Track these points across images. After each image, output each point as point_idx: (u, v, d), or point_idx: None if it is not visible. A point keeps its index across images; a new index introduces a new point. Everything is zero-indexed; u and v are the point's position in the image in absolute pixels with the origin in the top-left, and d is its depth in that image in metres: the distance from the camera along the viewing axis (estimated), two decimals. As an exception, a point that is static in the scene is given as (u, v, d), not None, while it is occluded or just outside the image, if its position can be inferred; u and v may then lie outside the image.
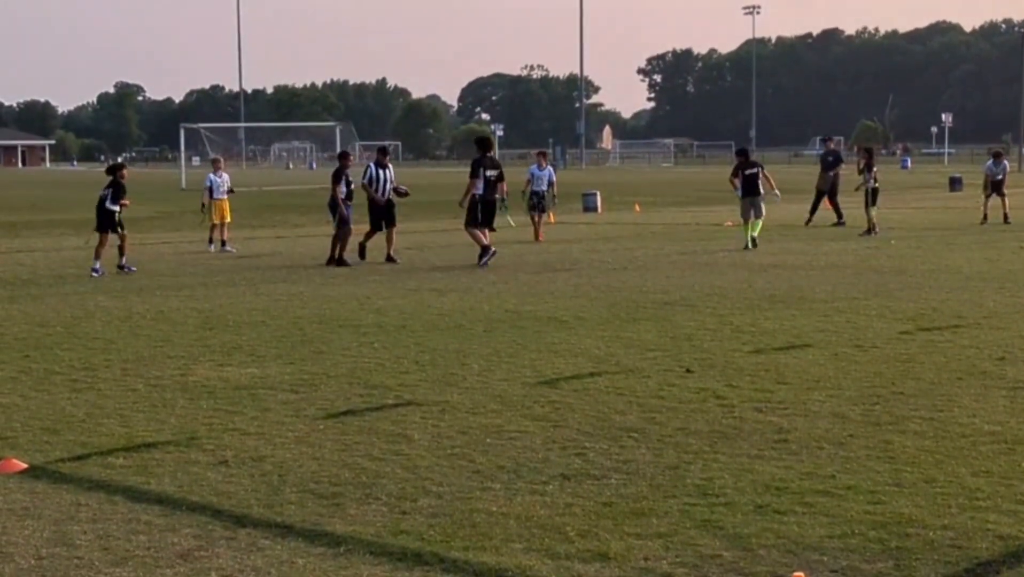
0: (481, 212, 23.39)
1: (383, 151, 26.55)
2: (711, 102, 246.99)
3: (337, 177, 24.31)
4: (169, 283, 20.63)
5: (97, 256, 22.06)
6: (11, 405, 10.72)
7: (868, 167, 30.17)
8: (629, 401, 10.54)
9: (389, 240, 24.72)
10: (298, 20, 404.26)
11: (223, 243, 27.35)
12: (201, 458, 8.80)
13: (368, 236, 24.91)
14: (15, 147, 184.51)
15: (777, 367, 12.07)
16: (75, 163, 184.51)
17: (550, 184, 31.15)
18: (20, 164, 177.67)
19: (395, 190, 24.91)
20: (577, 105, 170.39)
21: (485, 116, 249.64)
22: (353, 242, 24.10)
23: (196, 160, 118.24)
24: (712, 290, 18.58)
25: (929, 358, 12.54)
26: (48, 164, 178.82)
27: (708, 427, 9.56)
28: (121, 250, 22.60)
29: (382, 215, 24.89)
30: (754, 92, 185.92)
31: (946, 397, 10.59)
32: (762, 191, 27.20)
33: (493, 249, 23.27)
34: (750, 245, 26.17)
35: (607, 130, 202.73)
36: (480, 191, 23.32)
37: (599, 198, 44.63)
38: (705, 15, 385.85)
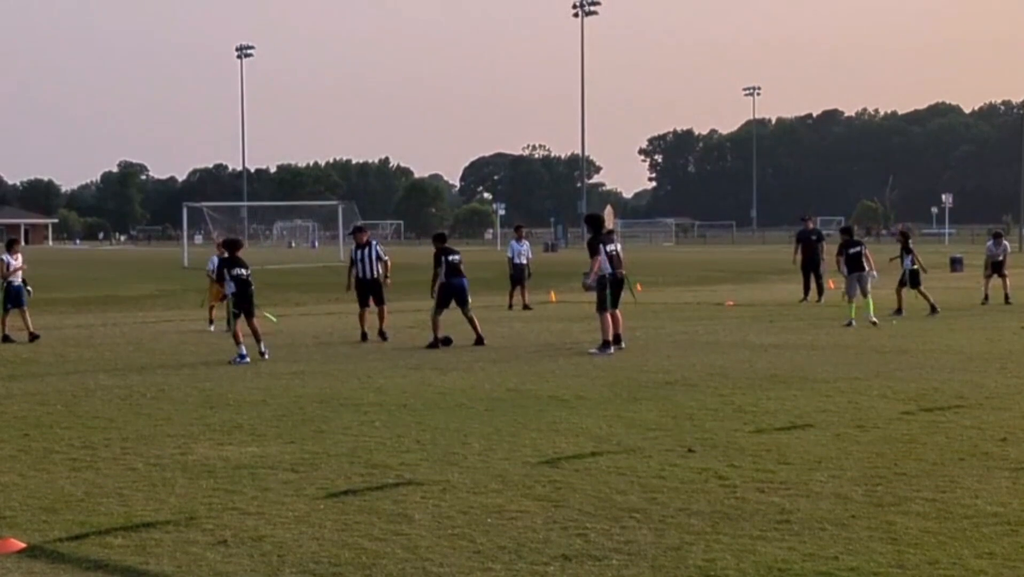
0: (610, 292, 21.91)
1: (359, 230, 26.43)
2: (712, 182, 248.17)
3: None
4: (170, 361, 20.62)
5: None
6: (10, 484, 10.69)
7: (906, 249, 30.38)
8: (631, 481, 10.50)
9: (380, 316, 24.89)
10: (301, 100, 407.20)
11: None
12: (200, 538, 8.76)
13: (360, 316, 24.98)
14: (18, 225, 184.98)
15: (779, 447, 12.03)
16: (78, 242, 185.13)
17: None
18: (23, 242, 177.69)
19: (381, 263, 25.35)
20: (579, 184, 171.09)
21: (487, 195, 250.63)
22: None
23: (199, 239, 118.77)
24: (713, 370, 18.57)
25: (931, 439, 12.50)
26: (51, 243, 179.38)
27: (710, 507, 9.51)
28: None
29: (368, 293, 25.07)
30: (755, 172, 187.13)
31: (949, 478, 10.55)
32: (867, 268, 27.54)
33: (620, 343, 21.64)
34: (853, 323, 26.34)
35: (608, 209, 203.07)
36: (608, 269, 22.06)
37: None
38: (706, 96, 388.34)
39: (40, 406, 15.50)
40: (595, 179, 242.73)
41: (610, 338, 21.44)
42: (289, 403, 15.52)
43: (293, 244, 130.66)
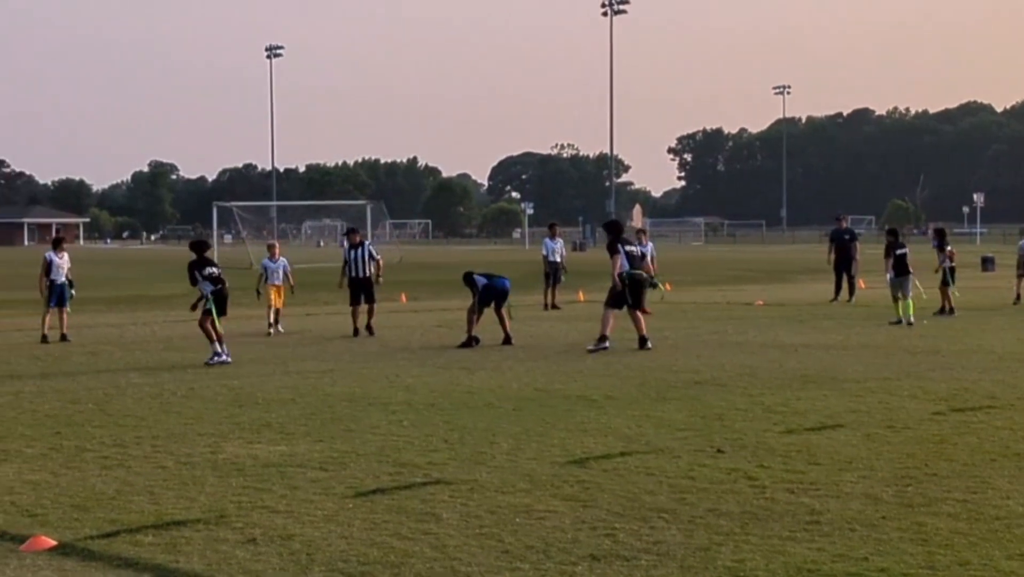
0: (629, 290, 21.96)
1: (352, 231, 27.95)
2: (741, 181, 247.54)
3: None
4: (200, 360, 20.67)
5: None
6: (42, 482, 10.74)
7: (941, 247, 30.46)
8: (659, 481, 10.48)
9: (369, 313, 26.08)
10: (330, 100, 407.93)
11: (275, 323, 26.46)
12: (230, 536, 8.79)
13: (353, 313, 26.10)
14: (49, 225, 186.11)
15: (809, 448, 12.00)
16: (109, 241, 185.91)
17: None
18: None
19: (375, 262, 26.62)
20: (607, 184, 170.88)
21: (515, 194, 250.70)
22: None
23: (228, 238, 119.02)
24: (743, 370, 18.52)
25: (962, 439, 12.44)
26: (82, 242, 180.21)
27: (739, 508, 9.49)
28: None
29: (360, 291, 26.26)
30: (784, 171, 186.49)
31: (980, 479, 10.50)
32: (911, 270, 27.61)
33: (646, 344, 21.68)
34: (904, 322, 26.52)
35: (637, 209, 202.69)
36: (627, 267, 22.06)
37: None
38: (735, 95, 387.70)
39: (72, 404, 15.58)
40: (624, 178, 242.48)
41: (608, 332, 21.62)
42: (318, 402, 15.55)
43: (322, 243, 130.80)
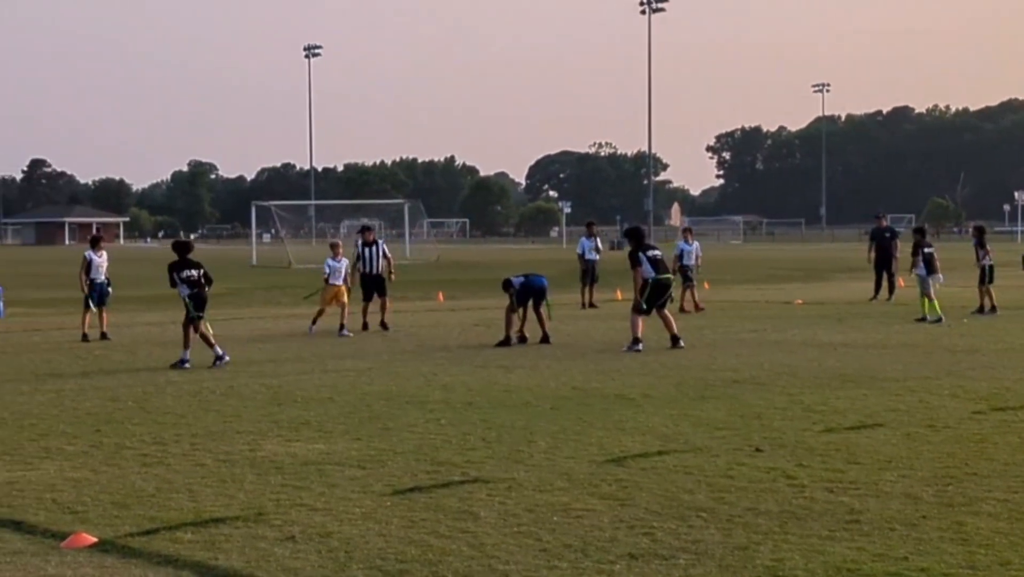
0: (651, 295, 21.83)
1: (366, 229, 28.77)
2: (780, 179, 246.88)
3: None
4: (239, 358, 20.75)
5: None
6: (82, 479, 10.81)
7: (980, 245, 30.37)
8: (698, 480, 10.46)
9: (383, 308, 26.89)
10: (368, 99, 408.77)
11: (341, 326, 25.63)
12: (269, 534, 8.81)
13: (364, 309, 27.03)
14: (90, 224, 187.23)
15: (848, 447, 11.94)
16: (148, 240, 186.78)
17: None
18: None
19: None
20: (645, 182, 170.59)
21: (553, 193, 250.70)
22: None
23: (267, 237, 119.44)
24: (782, 368, 18.45)
25: (1003, 438, 12.36)
26: (122, 241, 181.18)
27: (778, 507, 9.46)
28: None
29: (373, 288, 27.11)
30: (824, 170, 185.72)
31: (1021, 478, 10.43)
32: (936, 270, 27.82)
33: (678, 343, 21.63)
34: (930, 320, 26.69)
35: (675, 207, 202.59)
36: (651, 274, 21.93)
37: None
38: (774, 93, 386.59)
39: (112, 402, 15.66)
40: (661, 176, 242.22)
41: (639, 335, 21.47)
42: (356, 400, 15.59)
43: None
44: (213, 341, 19.90)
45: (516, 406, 14.96)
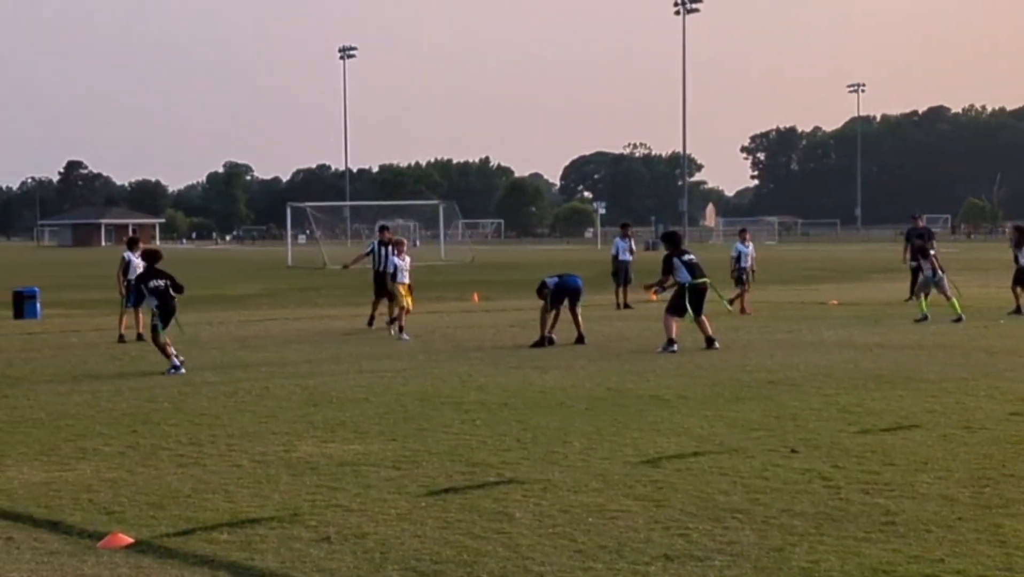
0: (690, 300, 21.82)
1: (383, 228, 29.99)
2: (815, 180, 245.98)
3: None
4: (274, 359, 20.83)
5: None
6: (119, 480, 10.86)
7: (1019, 245, 30.16)
8: (733, 481, 10.43)
9: (389, 309, 26.87)
10: (403, 100, 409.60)
11: (400, 328, 25.24)
12: (304, 534, 8.84)
13: (374, 305, 27.84)
14: (126, 225, 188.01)
15: (884, 448, 11.89)
16: (184, 241, 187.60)
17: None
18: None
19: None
20: (680, 183, 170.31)
21: (587, 194, 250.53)
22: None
23: (302, 238, 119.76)
24: (817, 369, 18.39)
25: (1041, 440, 12.29)
26: (158, 242, 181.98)
27: (814, 509, 9.43)
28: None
29: (384, 285, 27.12)
30: (859, 170, 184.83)
31: (1059, 480, 10.36)
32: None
33: (713, 344, 21.63)
34: (926, 317, 27.35)
35: (710, 208, 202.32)
36: (687, 279, 21.95)
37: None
38: (809, 93, 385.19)
39: (148, 403, 15.73)
40: (696, 177, 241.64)
41: (673, 336, 21.43)
42: (391, 401, 15.61)
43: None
44: (171, 353, 19.40)
45: (551, 407, 14.96)
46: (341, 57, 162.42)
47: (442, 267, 65.97)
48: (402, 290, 25.73)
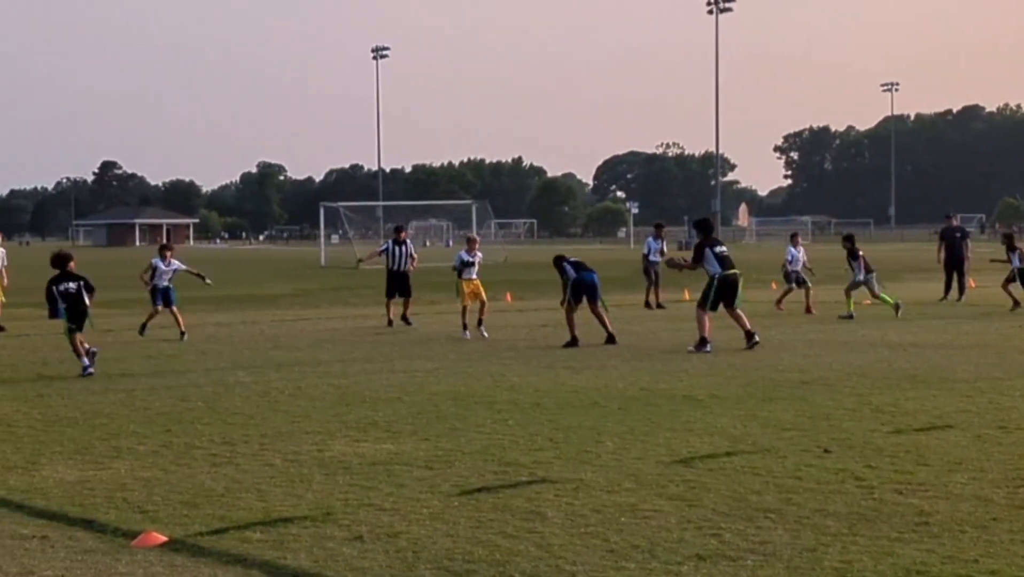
0: (718, 292, 21.75)
1: (399, 229, 30.52)
2: (849, 179, 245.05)
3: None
4: (307, 359, 20.88)
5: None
6: (152, 479, 10.91)
7: (1011, 248, 31.02)
8: (765, 481, 10.40)
9: (405, 305, 28.54)
10: (435, 100, 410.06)
11: (479, 322, 24.96)
12: (337, 533, 8.86)
13: (387, 305, 28.64)
14: (160, 225, 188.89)
15: (918, 448, 11.84)
16: (217, 241, 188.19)
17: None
18: (165, 242, 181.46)
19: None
20: (713, 183, 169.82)
21: (620, 193, 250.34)
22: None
23: (335, 238, 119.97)
24: (851, 369, 18.32)
25: (1076, 440, 12.20)
26: (192, 242, 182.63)
27: (847, 509, 9.39)
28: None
29: (397, 285, 28.71)
30: (893, 169, 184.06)
31: (1094, 481, 10.29)
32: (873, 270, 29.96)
33: (753, 339, 21.44)
34: (851, 316, 28.31)
35: (743, 207, 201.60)
36: (718, 270, 21.82)
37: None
38: (843, 92, 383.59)
39: (181, 402, 15.80)
40: (729, 177, 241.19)
41: (707, 335, 21.32)
42: (424, 401, 15.63)
43: (427, 243, 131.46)
44: (82, 352, 19.33)
45: (583, 407, 14.95)
46: (374, 57, 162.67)
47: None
48: (473, 287, 25.37)
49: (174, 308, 25.70)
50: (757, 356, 20.34)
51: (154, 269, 25.86)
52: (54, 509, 9.76)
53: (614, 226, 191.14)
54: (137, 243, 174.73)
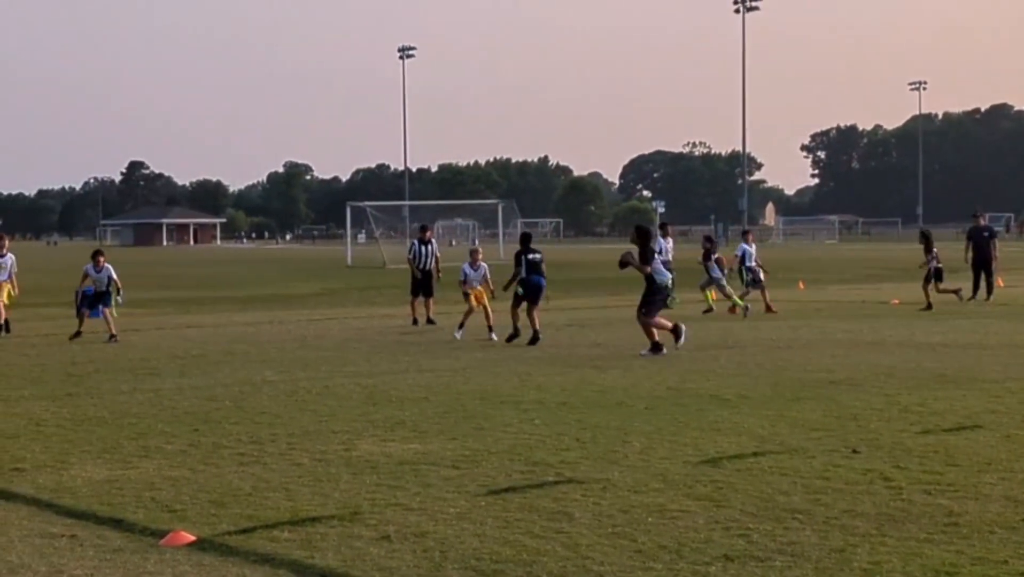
0: (659, 297, 21.55)
1: (424, 228, 31.01)
2: (876, 178, 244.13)
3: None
4: (334, 358, 20.91)
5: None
6: (180, 478, 10.94)
7: (928, 249, 32.31)
8: (793, 482, 10.37)
9: (427, 307, 28.65)
10: (462, 100, 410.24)
11: (488, 328, 24.87)
12: (364, 533, 8.86)
13: (412, 304, 28.88)
14: (187, 225, 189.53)
15: (947, 448, 11.79)
16: (244, 241, 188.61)
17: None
18: (192, 241, 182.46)
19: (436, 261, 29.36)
20: (739, 182, 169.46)
21: (647, 193, 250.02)
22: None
23: (361, 238, 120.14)
24: (879, 369, 18.25)
25: (1107, 441, 12.13)
26: (219, 241, 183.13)
27: (875, 509, 9.35)
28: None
29: (421, 285, 28.89)
30: (921, 168, 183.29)
31: (1125, 482, 10.23)
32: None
33: (664, 351, 20.79)
34: (711, 309, 30.15)
35: (770, 207, 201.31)
36: (664, 278, 21.68)
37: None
38: (870, 91, 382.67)
39: (209, 402, 15.83)
40: (756, 176, 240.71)
41: (657, 339, 20.94)
42: (450, 400, 15.63)
43: (454, 243, 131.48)
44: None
45: (610, 406, 14.93)
46: (400, 57, 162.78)
47: (501, 266, 65.88)
48: (475, 293, 25.52)
49: (107, 311, 25.90)
50: (784, 356, 20.29)
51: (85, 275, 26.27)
52: (83, 508, 9.80)
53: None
54: (164, 243, 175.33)
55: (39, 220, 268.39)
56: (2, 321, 26.92)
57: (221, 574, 7.96)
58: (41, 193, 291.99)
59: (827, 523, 8.96)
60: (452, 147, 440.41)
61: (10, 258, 27.84)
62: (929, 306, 30.57)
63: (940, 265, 32.17)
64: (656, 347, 20.87)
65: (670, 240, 35.05)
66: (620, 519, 9.16)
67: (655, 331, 21.17)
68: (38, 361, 21.26)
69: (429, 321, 28.30)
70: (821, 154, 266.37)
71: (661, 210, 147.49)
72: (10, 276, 27.74)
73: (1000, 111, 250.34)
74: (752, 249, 32.57)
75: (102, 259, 26.43)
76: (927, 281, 31.85)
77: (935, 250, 32.28)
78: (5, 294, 27.57)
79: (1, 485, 10.80)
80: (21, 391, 17.19)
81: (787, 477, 10.56)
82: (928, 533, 8.64)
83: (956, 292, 32.17)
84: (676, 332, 21.31)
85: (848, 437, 12.51)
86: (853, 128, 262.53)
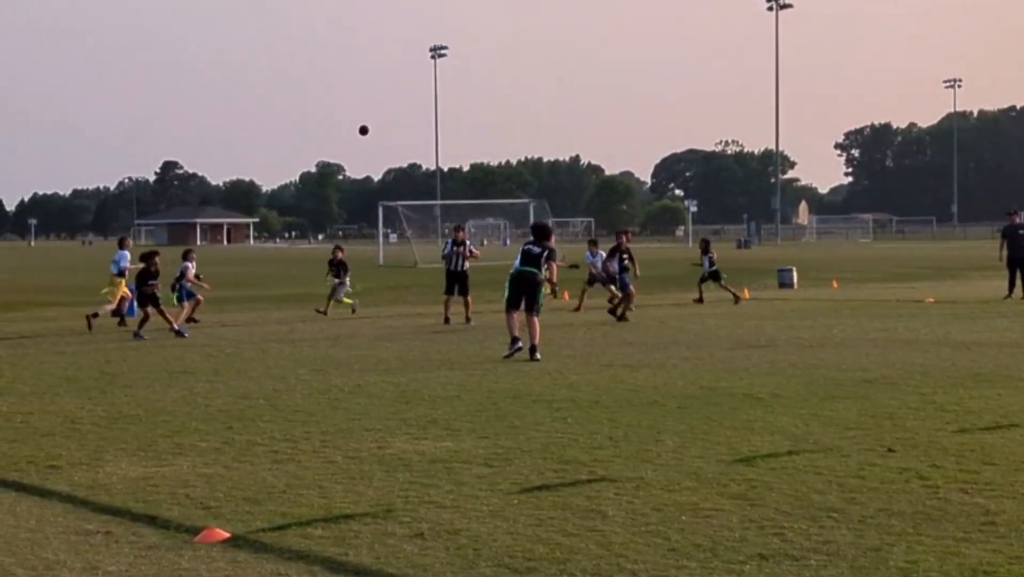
0: (512, 290, 21.07)
1: (457, 228, 31.15)
2: (911, 177, 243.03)
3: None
4: (366, 356, 20.94)
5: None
6: (215, 475, 10.96)
7: (705, 252, 35.24)
8: (828, 480, 10.32)
9: (465, 305, 28.75)
10: (493, 99, 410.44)
11: (467, 319, 28.25)
12: (398, 530, 8.86)
13: (445, 303, 28.96)
14: (221, 225, 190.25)
15: (983, 447, 11.71)
16: (277, 240, 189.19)
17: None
18: (225, 241, 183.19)
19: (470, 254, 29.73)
20: (772, 180, 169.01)
21: (679, 192, 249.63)
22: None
23: (393, 237, 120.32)
24: (914, 368, 18.16)
25: None
26: (252, 241, 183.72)
27: (911, 508, 9.30)
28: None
29: (454, 283, 28.97)
30: (955, 166, 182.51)
31: None
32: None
33: (519, 345, 20.53)
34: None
35: (803, 205, 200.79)
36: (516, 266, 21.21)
37: (795, 274, 44.13)
38: (904, 89, 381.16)
39: (243, 400, 15.88)
40: (789, 175, 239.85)
41: (516, 333, 20.55)
42: (483, 398, 15.63)
43: (485, 242, 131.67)
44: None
45: (643, 405, 14.90)
46: (432, 56, 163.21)
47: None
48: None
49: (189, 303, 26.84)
50: (818, 355, 20.21)
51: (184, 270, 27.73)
52: (118, 505, 9.83)
53: (672, 225, 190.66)
54: (198, 242, 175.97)
55: (74, 220, 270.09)
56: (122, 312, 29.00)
57: (256, 571, 7.97)
58: (76, 193, 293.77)
59: (863, 522, 8.91)
60: (483, 146, 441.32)
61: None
62: (700, 300, 34.22)
63: (716, 268, 35.53)
64: (515, 341, 20.55)
65: (601, 252, 33.97)
66: (653, 517, 9.14)
67: (516, 327, 20.66)
68: (73, 359, 21.37)
69: (467, 320, 28.45)
70: (855, 152, 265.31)
71: (693, 209, 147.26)
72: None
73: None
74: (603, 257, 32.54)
75: (157, 259, 27.29)
76: (702, 280, 35.27)
77: (712, 255, 35.96)
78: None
79: (37, 482, 10.85)
80: (56, 389, 17.28)
81: (822, 476, 10.51)
82: (965, 532, 8.59)
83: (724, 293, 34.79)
84: (514, 340, 20.64)
85: (883, 436, 12.45)
86: (887, 126, 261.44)
